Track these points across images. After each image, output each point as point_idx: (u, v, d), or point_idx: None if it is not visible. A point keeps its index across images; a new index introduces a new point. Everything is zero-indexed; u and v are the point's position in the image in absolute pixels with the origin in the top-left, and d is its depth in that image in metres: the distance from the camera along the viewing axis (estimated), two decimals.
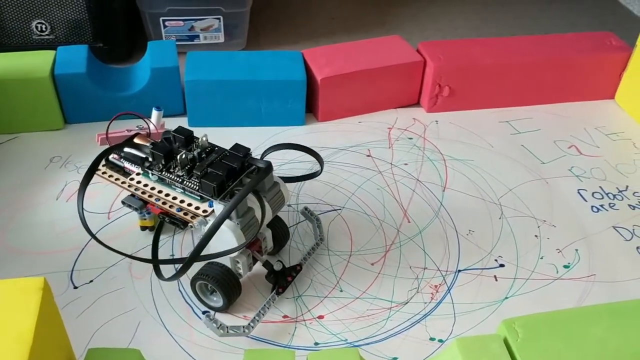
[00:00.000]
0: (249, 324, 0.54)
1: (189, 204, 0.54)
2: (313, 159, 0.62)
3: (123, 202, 0.61)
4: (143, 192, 0.57)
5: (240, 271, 0.56)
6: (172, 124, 0.79)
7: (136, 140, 0.60)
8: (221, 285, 0.55)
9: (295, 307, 0.58)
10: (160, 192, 0.56)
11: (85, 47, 0.79)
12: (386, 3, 1.19)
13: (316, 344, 0.55)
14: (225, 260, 0.55)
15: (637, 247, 0.66)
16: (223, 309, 0.57)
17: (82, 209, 0.54)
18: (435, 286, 0.60)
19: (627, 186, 0.74)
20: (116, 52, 0.93)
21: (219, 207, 0.52)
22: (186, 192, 0.55)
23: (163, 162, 0.56)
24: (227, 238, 0.52)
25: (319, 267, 0.62)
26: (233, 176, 0.54)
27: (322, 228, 0.65)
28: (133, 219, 0.66)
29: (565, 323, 0.46)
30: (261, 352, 0.46)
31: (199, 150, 0.56)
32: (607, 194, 0.73)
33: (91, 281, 0.59)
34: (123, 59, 0.94)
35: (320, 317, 0.57)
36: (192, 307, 0.57)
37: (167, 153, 0.56)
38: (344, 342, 0.55)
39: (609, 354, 0.44)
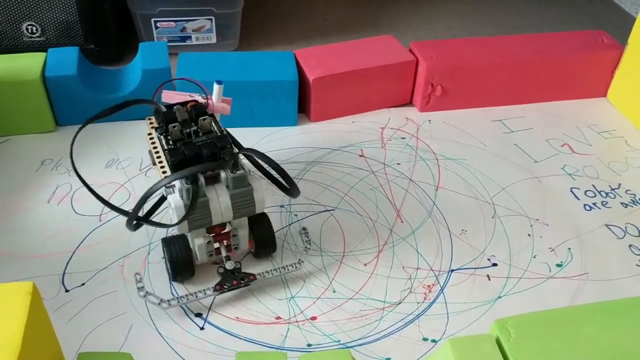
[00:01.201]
0: (168, 300, 0.55)
1: (164, 172, 0.55)
2: (306, 160, 0.61)
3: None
4: (151, 150, 0.58)
5: (197, 254, 0.57)
6: None
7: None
8: (171, 259, 0.57)
9: (288, 308, 0.58)
10: (158, 155, 0.57)
11: (76, 49, 0.79)
12: (378, 3, 1.19)
13: (309, 345, 0.54)
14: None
15: (630, 245, 0.66)
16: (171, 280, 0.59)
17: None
18: (428, 286, 0.60)
19: (619, 184, 0.74)
20: (107, 54, 0.93)
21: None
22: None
23: (164, 127, 0.56)
24: (170, 213, 0.54)
25: (312, 268, 0.62)
26: (199, 161, 0.54)
27: (306, 254, 0.62)
28: (124, 221, 0.65)
29: (557, 322, 0.45)
30: (253, 355, 0.46)
31: (195, 128, 0.56)
32: (599, 192, 0.73)
33: (83, 284, 0.59)
34: (114, 60, 0.94)
35: (313, 318, 0.57)
36: (184, 310, 0.57)
37: (167, 117, 0.56)
38: (337, 343, 0.55)
39: (601, 353, 0.44)
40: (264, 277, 0.58)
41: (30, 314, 0.37)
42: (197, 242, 0.57)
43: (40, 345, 0.40)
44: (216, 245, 0.59)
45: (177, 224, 0.53)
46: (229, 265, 0.57)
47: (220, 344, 0.54)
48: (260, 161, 0.57)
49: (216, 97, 0.61)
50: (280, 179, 0.56)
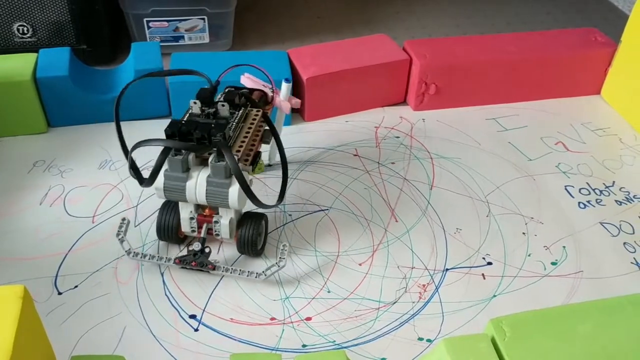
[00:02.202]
0: (135, 253, 0.59)
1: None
2: (300, 160, 0.62)
3: None
4: None
5: (182, 225, 0.60)
6: (157, 125, 0.79)
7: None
8: (158, 218, 0.61)
9: (282, 309, 0.57)
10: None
11: (67, 50, 0.78)
12: (372, 2, 1.19)
13: (304, 346, 0.54)
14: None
15: (624, 243, 0.66)
16: None
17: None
18: (423, 285, 0.60)
19: (613, 182, 0.74)
20: (100, 54, 0.92)
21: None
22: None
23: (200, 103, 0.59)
24: None
25: (306, 268, 0.61)
26: (190, 138, 0.56)
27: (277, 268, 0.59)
28: (117, 223, 0.65)
29: (552, 321, 0.45)
30: (247, 357, 0.45)
31: (213, 110, 0.59)
32: (594, 190, 0.73)
33: (76, 287, 0.59)
34: (107, 60, 0.93)
35: (308, 318, 0.57)
36: (178, 311, 0.57)
37: (201, 94, 0.59)
38: (332, 344, 0.54)
39: (596, 351, 0.44)
40: (223, 272, 0.59)
41: (22, 318, 0.37)
42: (182, 214, 0.60)
43: (32, 349, 0.39)
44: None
45: (144, 184, 0.57)
46: (196, 246, 0.59)
47: (215, 346, 0.54)
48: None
49: (283, 95, 0.67)
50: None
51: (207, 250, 0.60)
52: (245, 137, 0.59)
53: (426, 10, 1.16)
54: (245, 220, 0.60)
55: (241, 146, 0.58)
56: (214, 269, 0.58)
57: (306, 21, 1.10)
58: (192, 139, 0.56)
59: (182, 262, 0.59)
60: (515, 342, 0.44)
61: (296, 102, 0.69)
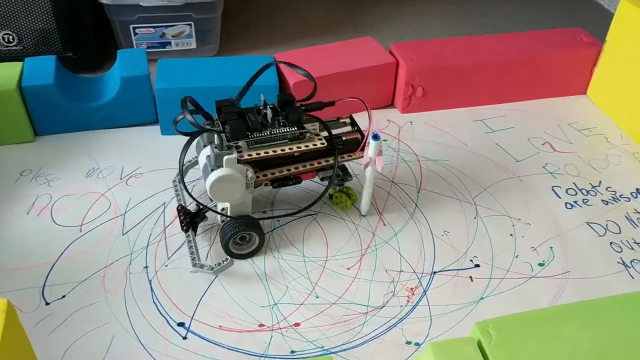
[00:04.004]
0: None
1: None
2: None
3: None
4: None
5: None
6: (144, 132, 0.79)
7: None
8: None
9: (271, 315, 0.57)
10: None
11: (53, 58, 0.78)
12: (359, 4, 1.19)
13: (293, 352, 0.54)
14: None
15: (611, 243, 0.66)
16: None
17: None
18: (411, 289, 0.60)
19: (600, 181, 0.75)
20: (87, 62, 0.92)
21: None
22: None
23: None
24: None
25: (295, 274, 0.61)
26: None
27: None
28: (105, 231, 0.65)
29: (538, 323, 0.46)
30: None
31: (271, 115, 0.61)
32: (580, 190, 0.73)
33: (63, 296, 0.58)
34: (94, 68, 0.93)
35: (297, 324, 0.57)
36: (166, 319, 0.57)
37: (281, 98, 0.63)
38: (321, 349, 0.54)
39: (581, 353, 0.44)
40: (187, 238, 0.62)
41: (5, 332, 0.37)
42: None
43: None
44: None
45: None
46: (192, 209, 0.64)
47: (203, 353, 0.54)
48: None
49: (372, 152, 0.63)
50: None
51: (201, 217, 0.63)
52: (275, 152, 0.60)
53: (414, 13, 1.16)
54: (236, 222, 0.60)
55: (259, 153, 0.59)
56: (186, 231, 0.62)
57: (294, 25, 1.10)
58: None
59: (182, 210, 0.64)
60: (501, 345, 0.44)
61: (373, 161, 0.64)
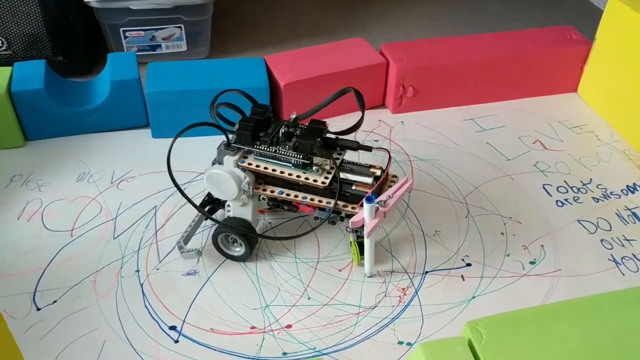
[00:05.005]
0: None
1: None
2: None
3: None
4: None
5: None
6: (134, 136, 0.79)
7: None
8: None
9: (262, 317, 0.57)
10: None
11: (42, 62, 0.78)
12: (349, 5, 1.19)
13: (285, 354, 0.54)
14: None
15: (602, 240, 0.66)
16: None
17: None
18: (403, 289, 0.60)
19: (590, 179, 0.75)
20: (77, 66, 0.92)
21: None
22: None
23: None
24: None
25: (286, 276, 0.61)
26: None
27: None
28: (96, 236, 0.65)
29: (528, 322, 0.46)
30: None
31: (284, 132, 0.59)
32: (571, 188, 0.74)
33: (55, 302, 0.58)
34: (85, 72, 0.93)
35: (289, 326, 0.57)
36: (158, 324, 0.57)
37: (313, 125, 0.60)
38: (313, 351, 0.54)
39: (572, 351, 0.44)
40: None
41: None
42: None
43: None
44: None
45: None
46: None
47: (195, 357, 0.54)
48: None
49: (367, 215, 0.56)
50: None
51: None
52: (274, 171, 0.58)
53: (404, 13, 1.16)
54: (232, 222, 0.61)
55: (258, 166, 0.58)
56: (202, 206, 0.63)
57: (285, 26, 1.10)
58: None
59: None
60: (492, 344, 0.44)
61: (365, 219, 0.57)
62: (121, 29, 0.91)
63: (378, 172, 0.59)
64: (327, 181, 0.57)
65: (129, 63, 0.79)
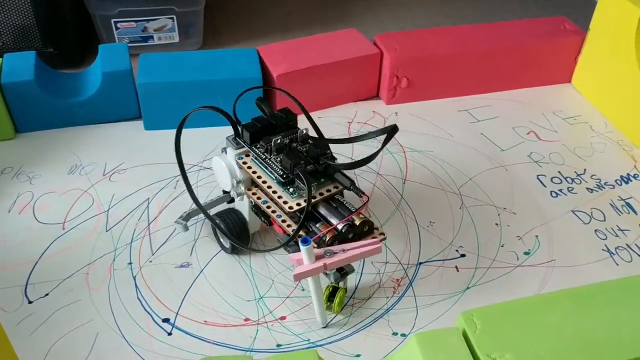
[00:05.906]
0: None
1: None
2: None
3: None
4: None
5: None
6: (126, 128, 0.78)
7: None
8: None
9: (256, 309, 0.57)
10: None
11: (33, 54, 0.77)
12: None
13: (279, 345, 0.54)
14: None
15: (596, 230, 0.66)
16: None
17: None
18: (397, 280, 0.60)
19: (585, 169, 0.75)
20: (67, 57, 0.91)
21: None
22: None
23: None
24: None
25: (280, 267, 0.61)
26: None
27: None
28: (88, 228, 0.64)
29: (522, 312, 0.46)
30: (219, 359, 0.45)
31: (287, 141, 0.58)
32: (565, 179, 0.73)
33: (46, 294, 0.58)
34: (76, 63, 0.92)
35: (282, 318, 0.56)
36: (151, 316, 0.56)
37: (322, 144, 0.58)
38: (307, 342, 0.54)
39: (566, 341, 0.44)
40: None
41: None
42: None
43: None
44: None
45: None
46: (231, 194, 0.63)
47: (189, 349, 0.53)
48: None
49: (306, 259, 0.50)
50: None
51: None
52: (259, 177, 0.56)
53: (398, 3, 1.16)
54: (226, 214, 0.60)
55: (250, 167, 0.57)
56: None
57: (278, 17, 1.10)
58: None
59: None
60: (486, 335, 0.44)
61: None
62: (112, 20, 0.91)
63: (357, 222, 0.53)
64: (295, 208, 0.53)
65: (120, 54, 0.78)
